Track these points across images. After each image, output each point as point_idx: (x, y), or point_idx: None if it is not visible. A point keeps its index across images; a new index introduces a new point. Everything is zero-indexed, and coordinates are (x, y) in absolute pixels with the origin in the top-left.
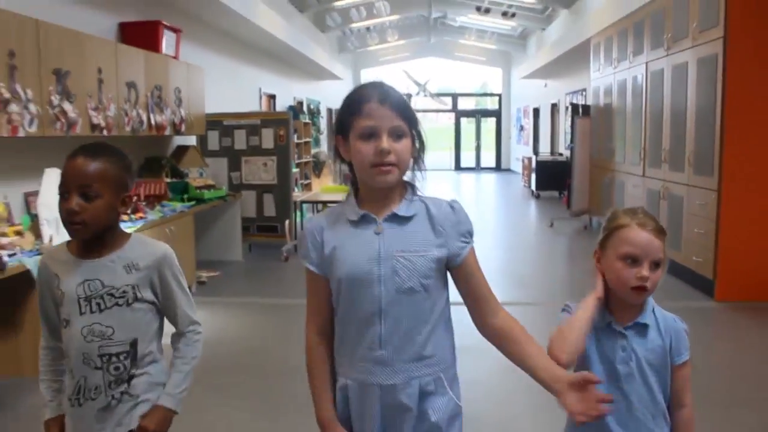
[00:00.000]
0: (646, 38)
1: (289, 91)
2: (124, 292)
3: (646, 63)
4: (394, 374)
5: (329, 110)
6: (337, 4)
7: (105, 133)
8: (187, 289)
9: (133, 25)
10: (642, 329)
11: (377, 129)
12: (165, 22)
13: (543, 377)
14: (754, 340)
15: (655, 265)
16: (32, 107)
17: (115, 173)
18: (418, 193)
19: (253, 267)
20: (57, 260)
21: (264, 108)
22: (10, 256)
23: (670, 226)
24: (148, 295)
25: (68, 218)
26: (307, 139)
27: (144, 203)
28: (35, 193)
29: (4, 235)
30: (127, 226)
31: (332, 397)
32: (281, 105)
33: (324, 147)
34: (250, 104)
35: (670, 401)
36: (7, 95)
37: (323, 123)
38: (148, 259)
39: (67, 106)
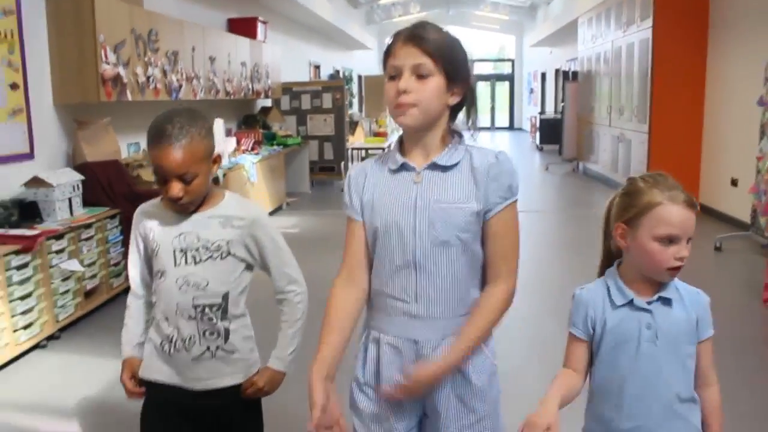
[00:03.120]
0: (613, 21)
1: (329, 62)
2: (218, 246)
3: (612, 41)
4: (429, 329)
5: (359, 77)
6: None
7: (232, 97)
8: (285, 248)
9: (238, 20)
10: (666, 304)
11: (400, 68)
12: (260, 18)
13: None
14: None
15: (689, 239)
16: (202, 81)
17: (202, 147)
18: (466, 141)
19: (319, 195)
20: (152, 214)
21: (312, 76)
22: None
23: (624, 162)
24: (241, 252)
25: (173, 201)
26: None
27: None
28: None
29: None
30: (251, 158)
31: (337, 360)
32: (324, 73)
33: (356, 109)
34: (302, 74)
35: (696, 380)
36: (192, 74)
37: (355, 88)
38: (242, 219)
39: (216, 80)
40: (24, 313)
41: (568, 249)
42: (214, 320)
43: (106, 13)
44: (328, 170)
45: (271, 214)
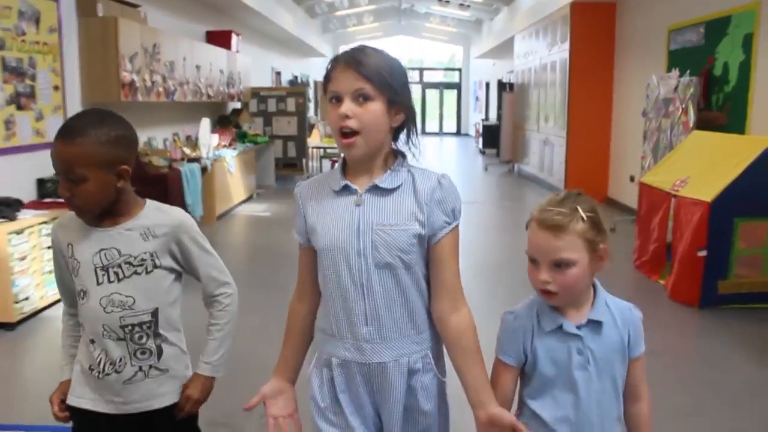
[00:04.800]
0: (541, 41)
1: (289, 68)
2: (142, 260)
3: (540, 57)
4: (382, 352)
5: (315, 82)
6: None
7: (212, 99)
8: (211, 250)
9: (216, 33)
10: (596, 326)
11: (340, 93)
12: (234, 30)
13: (470, 395)
14: None
15: (558, 265)
16: (191, 86)
17: (96, 152)
18: (409, 162)
19: (282, 187)
20: (69, 228)
21: (274, 81)
22: (189, 160)
23: (548, 163)
24: (168, 261)
25: (65, 201)
26: None
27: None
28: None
29: (178, 149)
30: (230, 152)
31: (294, 366)
32: (284, 79)
33: (312, 112)
34: (266, 79)
35: (625, 396)
36: (184, 80)
37: (311, 92)
38: (164, 226)
39: (201, 85)
40: None
41: (500, 231)
42: (145, 339)
43: (125, 30)
44: (291, 166)
45: (244, 202)
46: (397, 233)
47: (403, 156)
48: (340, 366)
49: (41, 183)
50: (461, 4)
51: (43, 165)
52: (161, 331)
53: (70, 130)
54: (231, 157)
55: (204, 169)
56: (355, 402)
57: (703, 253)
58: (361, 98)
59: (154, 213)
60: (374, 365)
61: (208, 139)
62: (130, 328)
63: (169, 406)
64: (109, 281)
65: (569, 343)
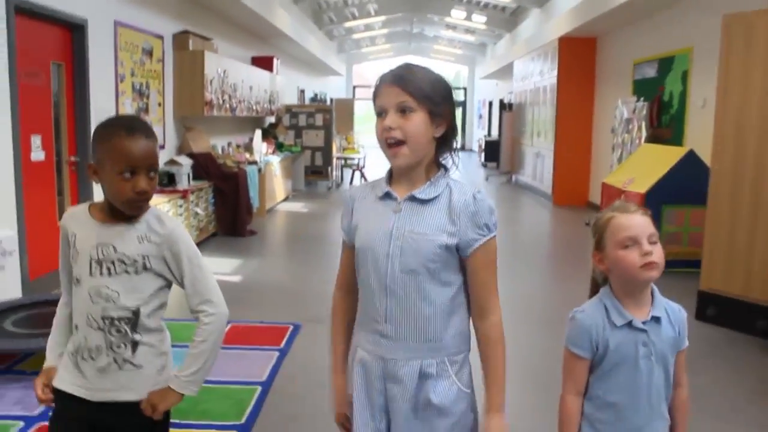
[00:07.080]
0: (535, 67)
1: (310, 86)
2: (134, 260)
3: (534, 82)
4: (395, 350)
5: (331, 99)
6: (347, 24)
7: (258, 114)
8: (202, 265)
9: (260, 58)
10: (657, 322)
11: (385, 107)
12: (275, 56)
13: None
14: (566, 217)
15: (653, 241)
16: (246, 103)
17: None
18: (450, 175)
19: (311, 191)
20: (77, 220)
21: (299, 99)
22: (249, 163)
23: (539, 173)
24: (159, 267)
25: (138, 197)
26: None
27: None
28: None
29: (242, 153)
30: (276, 158)
31: (344, 360)
32: (307, 96)
33: None
34: (293, 97)
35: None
36: (242, 99)
37: None
38: (160, 234)
39: (252, 102)
40: None
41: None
42: (123, 332)
43: (208, 60)
44: (318, 173)
45: (283, 201)
46: (425, 242)
47: (446, 168)
48: (361, 357)
49: None
50: (467, 30)
51: None
52: (140, 330)
53: (143, 126)
54: (277, 162)
55: (259, 171)
56: (368, 394)
57: None
58: (404, 110)
59: (152, 219)
60: (389, 360)
61: (260, 146)
62: (109, 320)
63: (138, 402)
64: (100, 274)
65: (636, 336)
